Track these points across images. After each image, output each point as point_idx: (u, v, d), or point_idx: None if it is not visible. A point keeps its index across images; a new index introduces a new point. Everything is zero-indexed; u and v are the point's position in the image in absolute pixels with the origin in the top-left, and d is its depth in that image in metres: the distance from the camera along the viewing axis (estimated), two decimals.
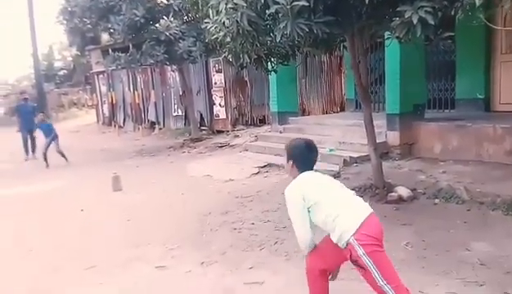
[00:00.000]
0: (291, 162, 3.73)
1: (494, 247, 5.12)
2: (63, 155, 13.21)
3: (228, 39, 6.20)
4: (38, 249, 6.41)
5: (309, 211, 3.52)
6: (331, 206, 3.47)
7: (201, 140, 15.08)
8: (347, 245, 3.35)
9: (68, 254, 6.16)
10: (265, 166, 10.09)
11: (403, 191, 7.11)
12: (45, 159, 13.20)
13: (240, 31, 5.83)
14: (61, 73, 41.70)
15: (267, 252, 5.66)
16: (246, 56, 6.75)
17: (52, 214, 8.17)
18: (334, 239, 3.41)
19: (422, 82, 9.62)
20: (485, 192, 6.61)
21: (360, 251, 3.29)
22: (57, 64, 42.31)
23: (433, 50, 9.81)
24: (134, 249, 6.15)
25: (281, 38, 5.90)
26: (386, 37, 6.80)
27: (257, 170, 9.92)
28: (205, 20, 6.45)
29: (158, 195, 8.91)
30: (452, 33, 5.81)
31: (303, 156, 3.73)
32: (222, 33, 6.12)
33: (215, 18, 6.05)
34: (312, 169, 3.73)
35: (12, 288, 5.23)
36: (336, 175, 8.52)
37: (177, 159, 12.86)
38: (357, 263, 3.37)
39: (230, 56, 7.07)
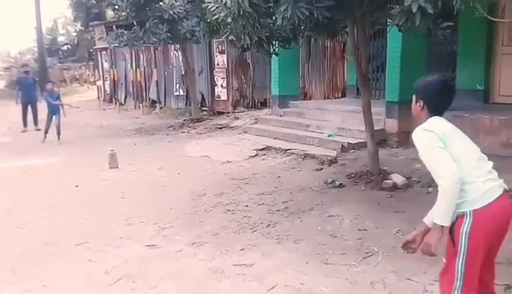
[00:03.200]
0: (421, 103, 3.11)
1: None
2: (59, 132, 13.05)
3: (229, 20, 6.21)
4: (31, 223, 6.42)
5: None
6: (467, 165, 2.91)
7: (201, 121, 15.07)
8: (458, 215, 2.88)
9: (61, 229, 6.17)
10: (263, 149, 10.11)
11: (398, 179, 7.13)
12: (45, 133, 13.08)
13: (241, 12, 5.85)
14: (65, 47, 41.40)
15: (259, 235, 5.68)
16: (247, 38, 6.72)
17: (47, 189, 8.17)
18: None
19: (422, 71, 9.51)
20: None
21: (465, 228, 2.83)
22: (61, 39, 41.97)
23: (435, 39, 9.72)
24: (126, 227, 6.18)
25: (282, 22, 5.88)
26: (388, 24, 6.77)
27: (255, 152, 9.94)
28: (207, 0, 6.42)
29: (154, 174, 8.92)
30: (452, 23, 5.78)
31: (438, 96, 3.09)
32: (223, 14, 6.11)
33: None
34: (442, 115, 3.11)
35: (2, 261, 5.23)
36: (333, 161, 8.56)
37: (175, 139, 12.88)
38: (452, 234, 2.92)
39: (231, 37, 7.05)
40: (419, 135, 3.00)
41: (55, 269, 5.02)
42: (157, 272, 4.84)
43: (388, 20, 6.28)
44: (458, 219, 2.87)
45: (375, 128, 7.78)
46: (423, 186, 6.93)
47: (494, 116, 8.22)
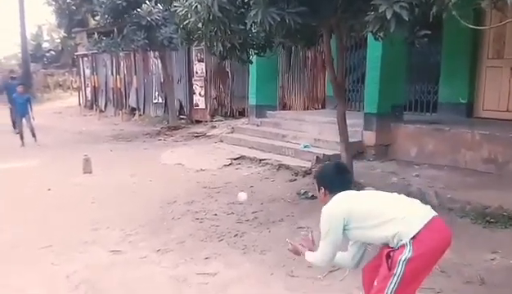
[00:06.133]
0: (323, 190, 3.35)
1: (457, 255, 4.90)
2: (33, 134, 13.10)
3: (200, 25, 6.06)
4: None
5: (346, 231, 3.16)
6: (392, 211, 3.05)
7: (178, 129, 14.98)
8: (399, 247, 2.96)
9: (27, 232, 6.10)
10: (238, 158, 9.96)
11: None
12: (21, 138, 13.08)
13: (211, 17, 5.70)
14: (49, 54, 41.21)
15: (225, 244, 5.57)
16: (220, 44, 6.59)
17: (19, 192, 8.07)
18: (391, 244, 3.01)
19: (402, 83, 9.41)
20: (456, 198, 6.45)
21: (404, 255, 2.90)
22: (45, 45, 41.83)
23: (418, 51, 9.41)
24: (92, 232, 6.09)
25: (254, 27, 5.76)
26: (366, 34, 6.63)
27: (229, 161, 9.80)
28: (175, 4, 6.28)
29: (126, 180, 8.78)
30: (429, 32, 5.57)
31: (335, 179, 3.34)
32: (193, 19, 5.97)
33: (186, 2, 5.89)
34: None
35: None
36: (308, 172, 8.43)
37: (151, 146, 12.76)
38: (390, 259, 2.99)
39: (203, 43, 6.93)
40: (326, 212, 3.21)
41: (16, 270, 4.95)
42: (118, 278, 4.74)
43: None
44: (399, 248, 2.95)
45: (353, 140, 7.65)
46: None
47: (476, 130, 8.04)
